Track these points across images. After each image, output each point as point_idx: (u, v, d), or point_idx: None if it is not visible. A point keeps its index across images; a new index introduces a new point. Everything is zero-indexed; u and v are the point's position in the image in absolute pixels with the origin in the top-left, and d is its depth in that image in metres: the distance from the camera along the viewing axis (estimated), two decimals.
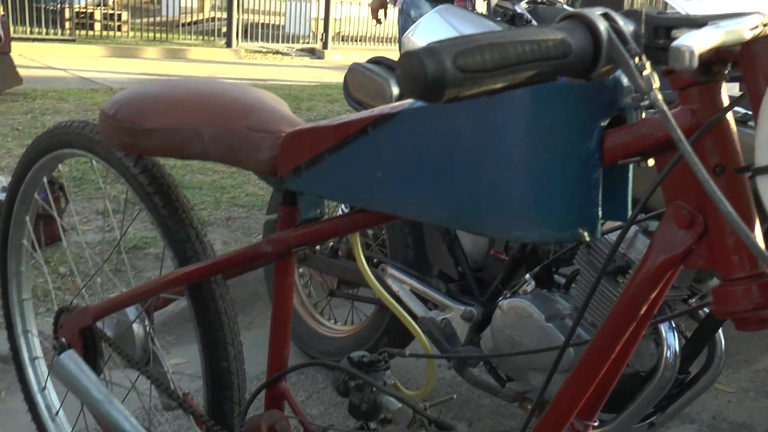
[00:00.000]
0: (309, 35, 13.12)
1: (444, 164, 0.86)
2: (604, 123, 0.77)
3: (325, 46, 12.32)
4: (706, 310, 1.82)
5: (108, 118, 1.26)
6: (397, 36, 6.45)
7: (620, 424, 1.82)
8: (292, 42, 12.71)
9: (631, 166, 0.83)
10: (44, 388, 1.80)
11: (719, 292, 0.74)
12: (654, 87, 0.63)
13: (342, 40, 13.18)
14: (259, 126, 1.13)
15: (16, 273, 1.76)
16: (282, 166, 1.08)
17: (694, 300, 1.84)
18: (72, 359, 1.40)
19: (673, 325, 1.75)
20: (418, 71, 0.59)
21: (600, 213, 0.79)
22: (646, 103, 0.75)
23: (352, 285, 2.48)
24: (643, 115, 0.79)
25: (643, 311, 0.80)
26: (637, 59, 0.64)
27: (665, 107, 0.63)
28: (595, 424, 0.94)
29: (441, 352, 2.00)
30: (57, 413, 1.78)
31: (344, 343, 2.50)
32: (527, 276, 1.87)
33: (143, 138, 1.22)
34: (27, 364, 1.80)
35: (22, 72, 5.93)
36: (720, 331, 1.83)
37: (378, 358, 1.14)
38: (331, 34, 12.47)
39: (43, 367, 1.80)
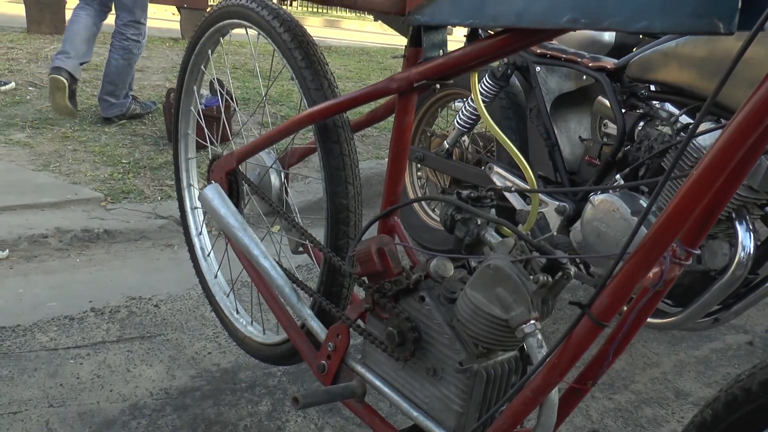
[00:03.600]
0: None
1: None
2: None
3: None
4: None
5: None
6: None
7: (687, 317, 1.58)
8: None
9: None
10: (200, 233, 1.72)
11: None
12: None
13: None
14: None
15: (184, 135, 1.68)
16: (410, 2, 0.90)
17: None
18: (216, 190, 1.29)
19: (750, 227, 1.48)
20: None
21: (740, 4, 0.56)
22: None
23: (462, 185, 2.29)
24: None
25: (762, 128, 0.57)
26: None
27: None
28: (697, 252, 0.71)
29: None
30: (209, 254, 1.70)
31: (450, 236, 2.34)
32: (617, 176, 1.64)
33: None
34: (188, 212, 1.72)
35: None
36: None
37: (485, 194, 0.95)
38: None
39: (200, 215, 1.72)
